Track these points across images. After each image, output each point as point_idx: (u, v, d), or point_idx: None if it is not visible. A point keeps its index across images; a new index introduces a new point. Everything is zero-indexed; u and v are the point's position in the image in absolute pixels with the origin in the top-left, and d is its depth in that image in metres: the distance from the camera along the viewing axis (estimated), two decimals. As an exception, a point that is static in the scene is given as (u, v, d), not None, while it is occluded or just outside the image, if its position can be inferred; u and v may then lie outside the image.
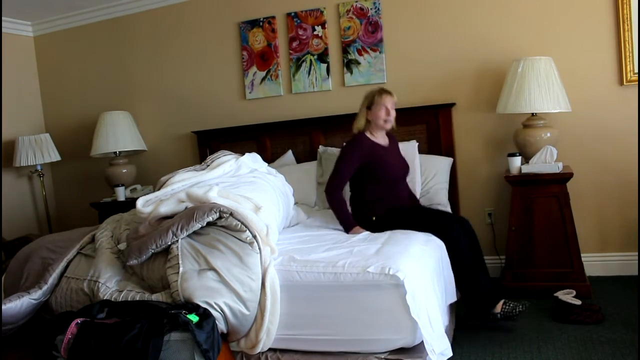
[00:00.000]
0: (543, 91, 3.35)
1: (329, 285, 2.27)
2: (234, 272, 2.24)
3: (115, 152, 4.56)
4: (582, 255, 3.35)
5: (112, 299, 2.30)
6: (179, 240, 2.32)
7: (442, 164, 3.68)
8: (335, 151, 3.74)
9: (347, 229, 2.95)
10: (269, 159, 4.01)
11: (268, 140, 4.28)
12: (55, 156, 4.70)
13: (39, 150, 4.57)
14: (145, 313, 2.07)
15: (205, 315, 2.09)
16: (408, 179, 3.31)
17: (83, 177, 5.05)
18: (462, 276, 2.77)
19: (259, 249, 2.35)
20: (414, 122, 3.89)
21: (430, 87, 3.93)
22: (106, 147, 4.45)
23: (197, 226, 2.35)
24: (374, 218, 3.00)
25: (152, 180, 4.73)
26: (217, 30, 4.46)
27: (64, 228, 4.47)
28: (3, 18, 4.66)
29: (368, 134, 3.14)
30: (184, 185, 2.74)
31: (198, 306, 2.13)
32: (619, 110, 3.57)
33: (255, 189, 2.81)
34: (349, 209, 3.08)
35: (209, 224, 2.38)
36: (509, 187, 3.50)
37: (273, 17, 4.28)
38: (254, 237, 2.35)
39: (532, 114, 3.50)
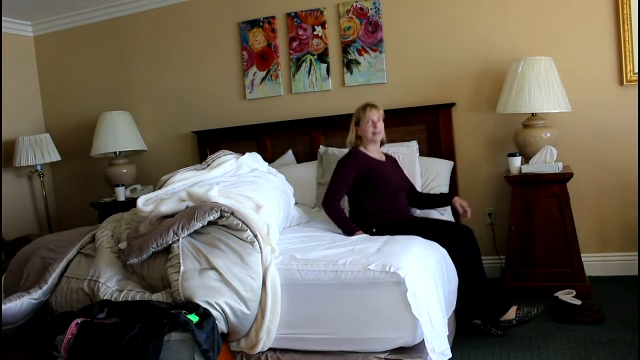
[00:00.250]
0: (543, 91, 3.35)
1: (329, 284, 2.27)
2: (234, 272, 2.24)
3: (115, 152, 4.56)
4: (582, 255, 3.35)
5: (112, 299, 2.30)
6: (180, 239, 2.32)
7: (443, 166, 3.69)
8: (335, 151, 3.75)
9: (350, 234, 2.93)
10: (269, 159, 4.01)
11: (268, 140, 4.28)
12: (55, 156, 4.70)
13: (39, 150, 4.58)
14: (145, 313, 2.07)
15: (205, 315, 2.09)
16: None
17: (83, 177, 5.05)
18: (468, 285, 2.74)
19: (260, 248, 2.35)
20: (414, 122, 3.89)
21: (430, 87, 3.93)
22: (106, 147, 4.45)
23: (198, 225, 2.35)
24: (374, 230, 2.98)
25: (152, 180, 4.73)
26: (217, 30, 4.46)
27: (64, 228, 4.47)
28: (3, 18, 4.66)
29: (362, 149, 3.19)
30: (185, 184, 2.74)
31: (198, 306, 2.12)
32: (619, 110, 3.57)
33: (255, 189, 2.81)
34: None
35: (209, 223, 2.38)
36: (509, 187, 3.50)
37: (273, 17, 4.28)
38: (255, 236, 2.35)
39: (532, 114, 3.50)
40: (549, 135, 3.47)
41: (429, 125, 3.88)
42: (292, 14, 4.22)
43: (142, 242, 2.36)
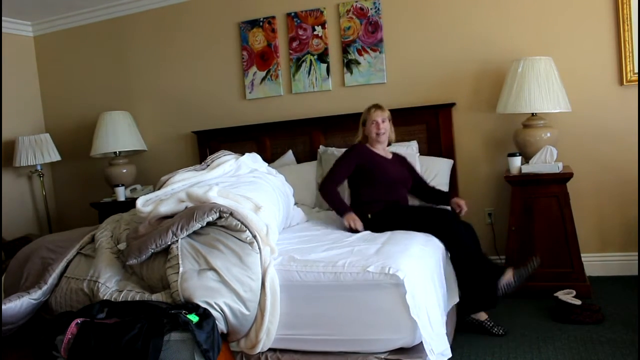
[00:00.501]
0: (543, 91, 3.35)
1: (328, 285, 2.27)
2: (233, 272, 2.24)
3: (115, 152, 4.57)
4: (582, 255, 3.35)
5: (112, 299, 2.30)
6: (179, 240, 2.32)
7: (443, 165, 3.69)
8: (335, 151, 3.76)
9: (342, 214, 3.01)
10: (269, 159, 4.01)
11: (268, 140, 4.28)
12: (55, 156, 4.70)
13: (39, 150, 4.58)
14: (145, 313, 2.07)
15: (205, 315, 2.09)
16: None
17: (83, 177, 5.05)
18: (464, 270, 2.74)
19: (259, 248, 2.35)
20: (414, 122, 3.89)
21: (430, 87, 3.93)
22: (106, 147, 4.45)
23: (197, 226, 2.35)
24: (369, 215, 3.01)
25: (152, 180, 4.73)
26: (217, 30, 4.46)
27: (63, 228, 4.47)
28: (3, 18, 4.66)
29: (368, 145, 3.28)
30: (184, 185, 2.74)
31: (198, 306, 2.13)
32: (619, 110, 3.57)
33: (255, 189, 2.81)
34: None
35: (208, 223, 2.38)
36: (509, 187, 3.50)
37: (273, 17, 4.28)
38: (254, 237, 2.35)
39: (532, 114, 3.50)
40: (549, 135, 3.47)
41: (429, 125, 3.88)
42: (292, 14, 4.22)
43: (141, 243, 2.36)
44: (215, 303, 2.17)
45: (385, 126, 3.23)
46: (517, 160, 3.48)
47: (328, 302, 2.29)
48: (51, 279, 2.49)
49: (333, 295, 2.28)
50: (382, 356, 2.25)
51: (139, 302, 2.21)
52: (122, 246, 2.56)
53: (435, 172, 3.62)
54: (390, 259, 2.27)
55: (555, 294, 3.09)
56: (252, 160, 3.14)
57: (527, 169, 3.40)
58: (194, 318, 2.04)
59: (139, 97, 4.79)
